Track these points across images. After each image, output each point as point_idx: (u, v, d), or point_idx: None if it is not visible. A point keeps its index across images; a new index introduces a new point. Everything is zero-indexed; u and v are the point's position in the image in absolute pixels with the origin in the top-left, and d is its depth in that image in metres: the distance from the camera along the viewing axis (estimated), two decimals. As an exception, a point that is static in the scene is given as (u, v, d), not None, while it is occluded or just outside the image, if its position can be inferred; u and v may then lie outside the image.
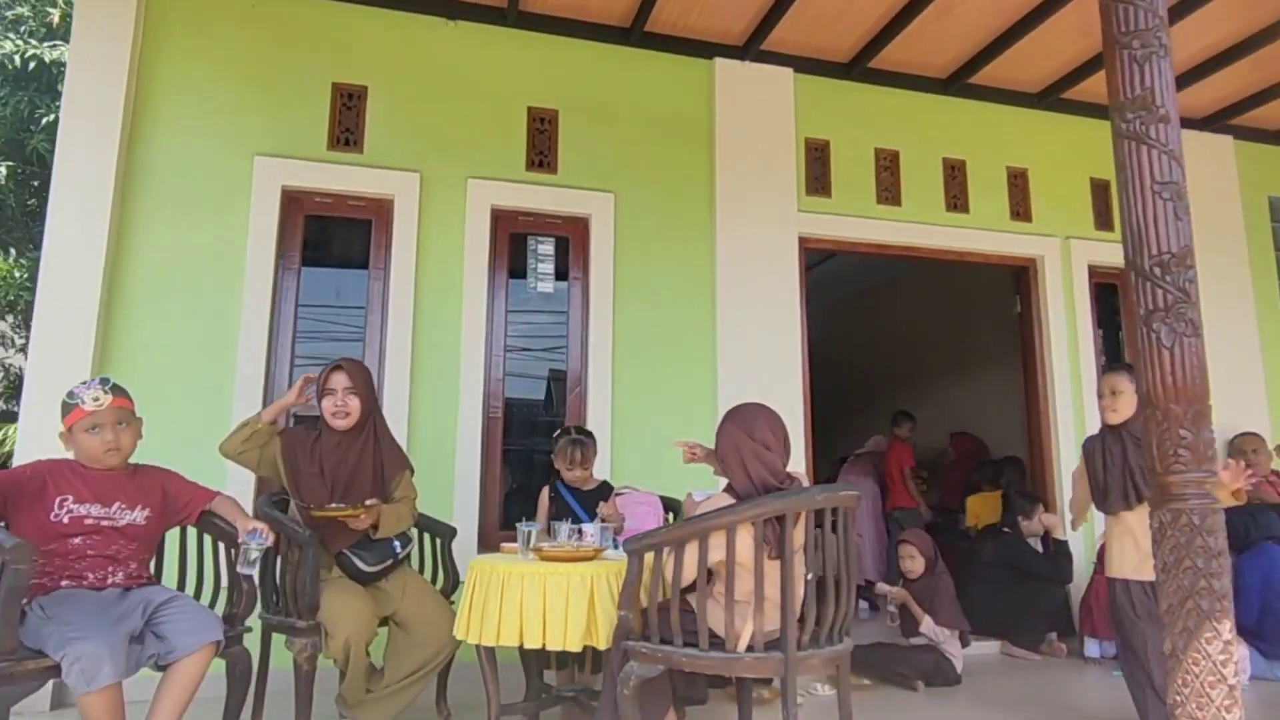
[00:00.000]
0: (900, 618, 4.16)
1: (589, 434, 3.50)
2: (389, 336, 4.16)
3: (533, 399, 4.52)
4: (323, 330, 4.22)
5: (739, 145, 4.84)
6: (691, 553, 2.41)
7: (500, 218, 4.50)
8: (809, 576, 2.35)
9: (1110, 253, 5.54)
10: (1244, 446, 5.25)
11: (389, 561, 3.01)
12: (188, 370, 3.91)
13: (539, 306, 4.55)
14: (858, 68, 5.07)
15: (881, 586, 4.27)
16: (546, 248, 4.57)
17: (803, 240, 4.96)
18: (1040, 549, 4.92)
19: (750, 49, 4.86)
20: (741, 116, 4.88)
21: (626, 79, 4.77)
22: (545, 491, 3.44)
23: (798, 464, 4.53)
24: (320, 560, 2.88)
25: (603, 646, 2.51)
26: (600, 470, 4.30)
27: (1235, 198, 5.86)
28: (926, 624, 4.04)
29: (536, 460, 4.42)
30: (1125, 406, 3.15)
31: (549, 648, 2.50)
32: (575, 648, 2.53)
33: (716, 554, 2.39)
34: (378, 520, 2.94)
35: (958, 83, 5.24)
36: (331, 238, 4.39)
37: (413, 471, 3.22)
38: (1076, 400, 5.26)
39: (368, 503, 2.91)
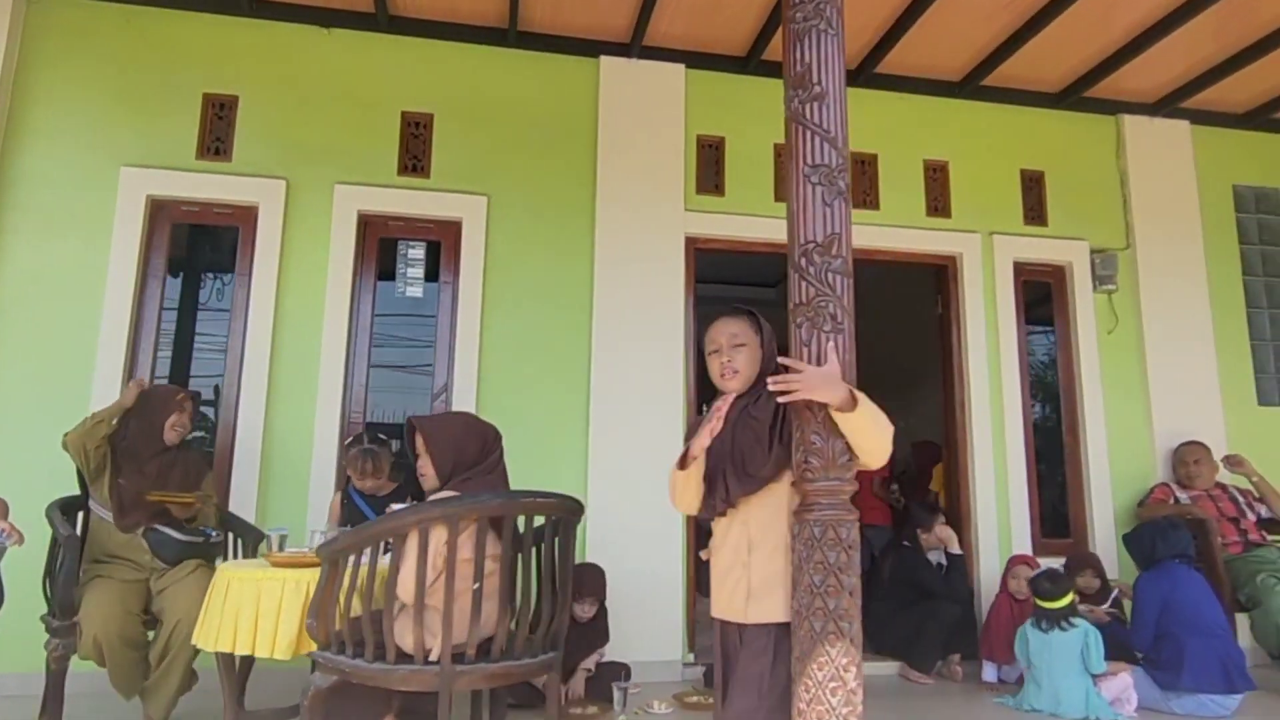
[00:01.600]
0: None
1: (383, 443, 3.46)
2: (249, 342, 4.20)
3: (400, 404, 4.49)
4: (186, 338, 4.29)
5: (623, 144, 4.73)
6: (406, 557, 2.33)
7: (369, 223, 4.50)
8: (475, 586, 2.24)
9: (1042, 249, 5.20)
10: (1185, 457, 4.84)
11: (200, 540, 3.16)
12: (49, 378, 4.02)
13: (409, 311, 4.53)
14: (754, 61, 4.89)
15: None
16: (417, 252, 4.55)
17: (691, 240, 4.80)
18: (946, 563, 4.63)
19: (637, 45, 4.74)
20: (627, 115, 4.77)
21: (506, 81, 4.72)
22: (337, 497, 3.41)
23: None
24: (83, 561, 2.93)
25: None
26: (459, 476, 4.26)
27: (1192, 187, 5.42)
28: None
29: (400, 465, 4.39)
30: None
31: (258, 655, 2.45)
32: (285, 656, 2.48)
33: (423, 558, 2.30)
34: (195, 512, 3.23)
35: (867, 72, 5.00)
36: (200, 246, 4.47)
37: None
38: (995, 403, 4.94)
39: (188, 497, 3.21)
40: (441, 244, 4.55)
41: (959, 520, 4.89)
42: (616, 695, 3.62)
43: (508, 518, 2.24)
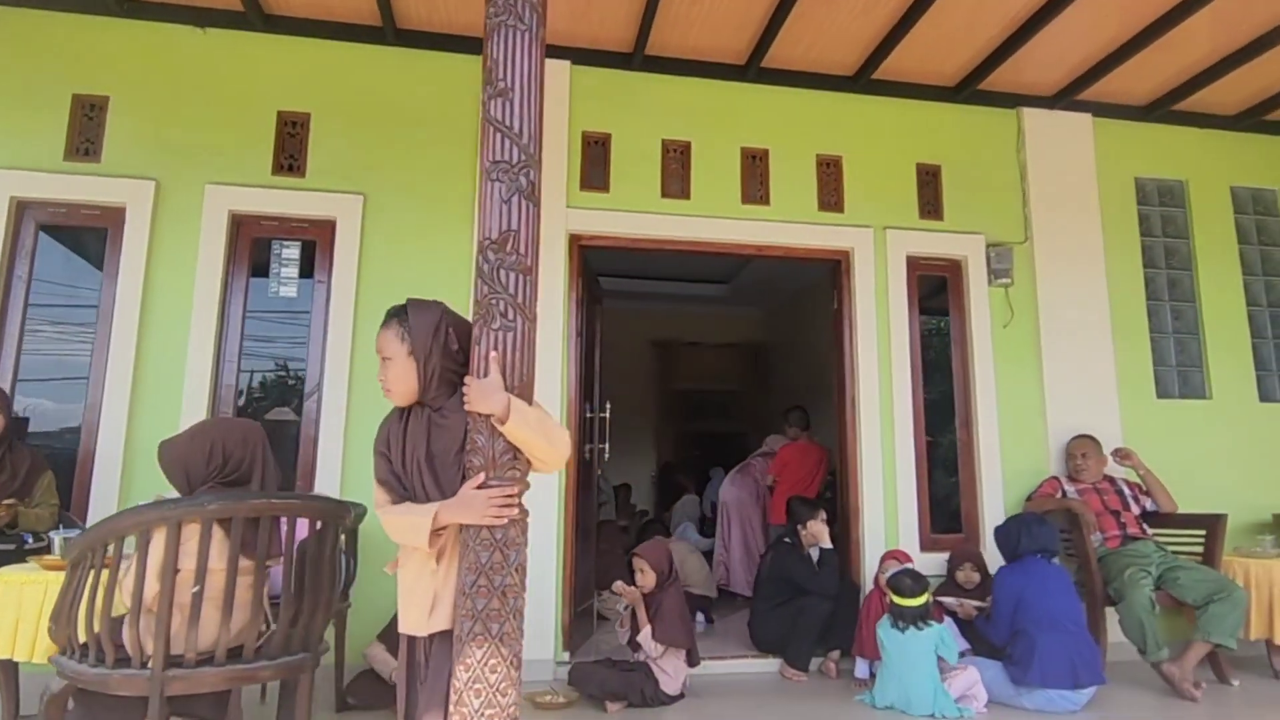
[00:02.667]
0: (631, 623, 3.95)
1: None
2: (114, 343, 4.17)
3: (274, 405, 4.46)
4: (53, 340, 4.26)
5: (505, 141, 4.69)
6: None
7: (242, 223, 4.47)
8: (195, 589, 2.21)
9: (937, 243, 5.17)
10: (1074, 451, 4.83)
11: (11, 547, 3.19)
12: (-90, 380, 4.00)
13: (284, 311, 4.50)
14: (641, 56, 4.86)
15: (617, 585, 4.05)
16: (291, 252, 4.52)
17: (576, 238, 4.78)
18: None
19: (518, 42, 4.71)
20: (509, 112, 4.73)
21: (386, 79, 4.69)
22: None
23: (550, 493, 4.37)
24: None
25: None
26: (329, 479, 4.24)
27: (1092, 180, 5.38)
28: (643, 634, 3.82)
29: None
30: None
31: (18, 659, 2.44)
32: (42, 660, 2.46)
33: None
34: (14, 518, 3.25)
35: (755, 67, 4.96)
36: (70, 247, 4.43)
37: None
38: (885, 398, 4.91)
39: (6, 501, 3.22)
40: (316, 243, 4.52)
41: (847, 516, 4.88)
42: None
43: (237, 520, 2.21)
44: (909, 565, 4.11)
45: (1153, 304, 5.44)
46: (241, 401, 4.35)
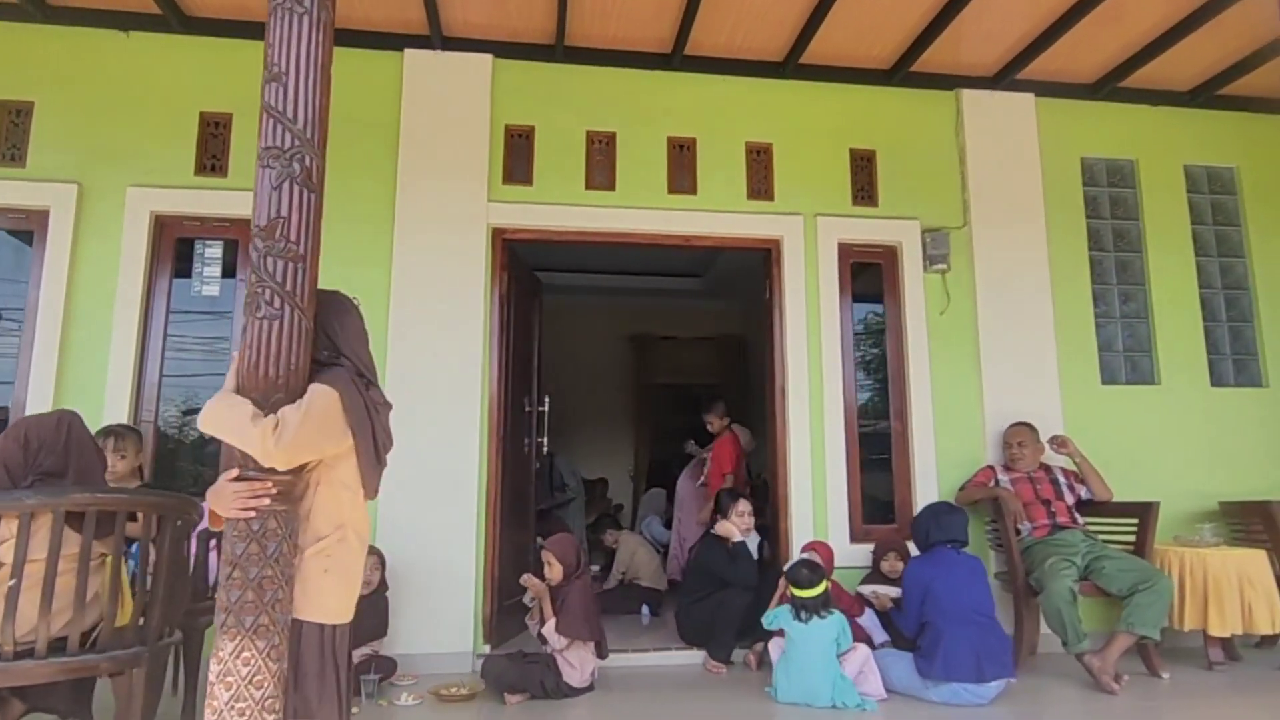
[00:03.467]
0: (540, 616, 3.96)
1: (131, 429, 3.49)
2: (38, 344, 4.26)
3: (199, 403, 4.52)
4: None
5: (426, 138, 4.71)
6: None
7: (165, 224, 4.54)
8: (11, 583, 2.24)
9: (870, 230, 5.09)
10: (1010, 439, 4.74)
11: None
12: None
13: (209, 309, 4.56)
14: (563, 48, 4.84)
15: (524, 578, 4.04)
16: (214, 251, 4.58)
17: (499, 231, 4.78)
18: (754, 551, 4.58)
19: (438, 37, 4.72)
20: (431, 108, 4.75)
21: (307, 77, 4.72)
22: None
23: (469, 484, 4.39)
24: None
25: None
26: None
27: (1035, 162, 5.27)
28: (547, 627, 3.83)
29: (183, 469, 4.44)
30: None
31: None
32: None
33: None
34: None
35: (681, 55, 4.92)
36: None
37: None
38: (815, 388, 4.85)
39: None
40: (239, 242, 4.57)
41: (777, 507, 4.83)
42: (363, 686, 3.64)
43: (58, 514, 2.24)
44: (807, 555, 4.07)
45: (1100, 288, 5.31)
46: (163, 401, 4.41)
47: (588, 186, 4.88)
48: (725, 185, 5.01)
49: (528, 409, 5.35)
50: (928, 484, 4.84)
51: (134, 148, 4.52)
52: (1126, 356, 5.28)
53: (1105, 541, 4.39)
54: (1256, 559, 4.25)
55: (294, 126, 1.99)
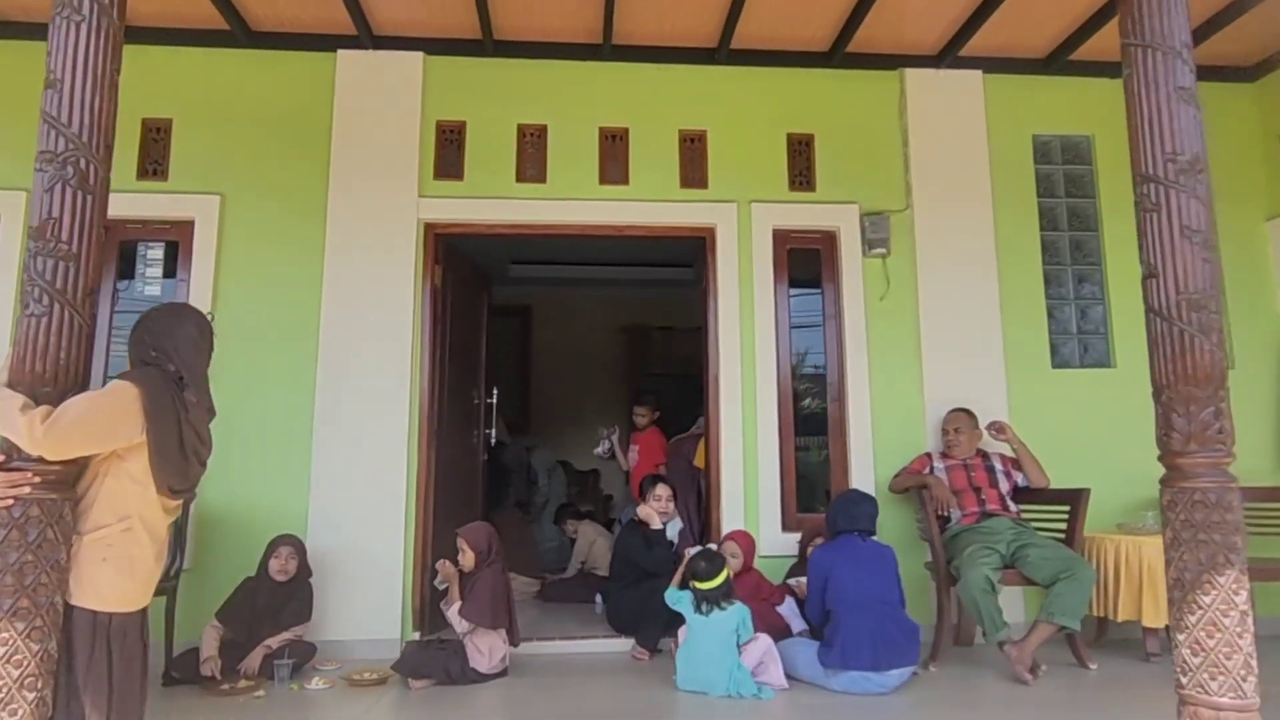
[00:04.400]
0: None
1: None
2: (-11, 346, 4.48)
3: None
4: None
5: (358, 136, 4.80)
6: None
7: (110, 228, 4.69)
8: None
9: (808, 215, 5.03)
10: (946, 426, 4.65)
11: None
12: None
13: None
14: (492, 42, 4.89)
15: (439, 563, 4.11)
16: (155, 253, 4.75)
17: (431, 226, 4.85)
18: (675, 538, 4.58)
19: (369, 36, 4.81)
20: (363, 107, 4.84)
21: (243, 81, 4.85)
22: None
23: (397, 475, 4.48)
24: None
25: None
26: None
27: (981, 141, 5.13)
28: (451, 611, 3.91)
29: None
30: None
31: None
32: None
33: None
34: None
35: (611, 45, 4.91)
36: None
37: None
38: (749, 376, 4.82)
39: None
40: (179, 244, 4.73)
41: (709, 497, 4.82)
42: (275, 671, 3.76)
43: None
44: (708, 547, 4.05)
45: (1053, 268, 5.16)
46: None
47: (519, 179, 4.92)
48: (658, 174, 4.99)
49: (476, 401, 5.43)
50: (864, 471, 4.77)
51: (79, 155, 4.70)
52: (1081, 339, 5.12)
53: (1040, 530, 4.28)
54: (1193, 547, 4.08)
55: (68, 131, 2.08)
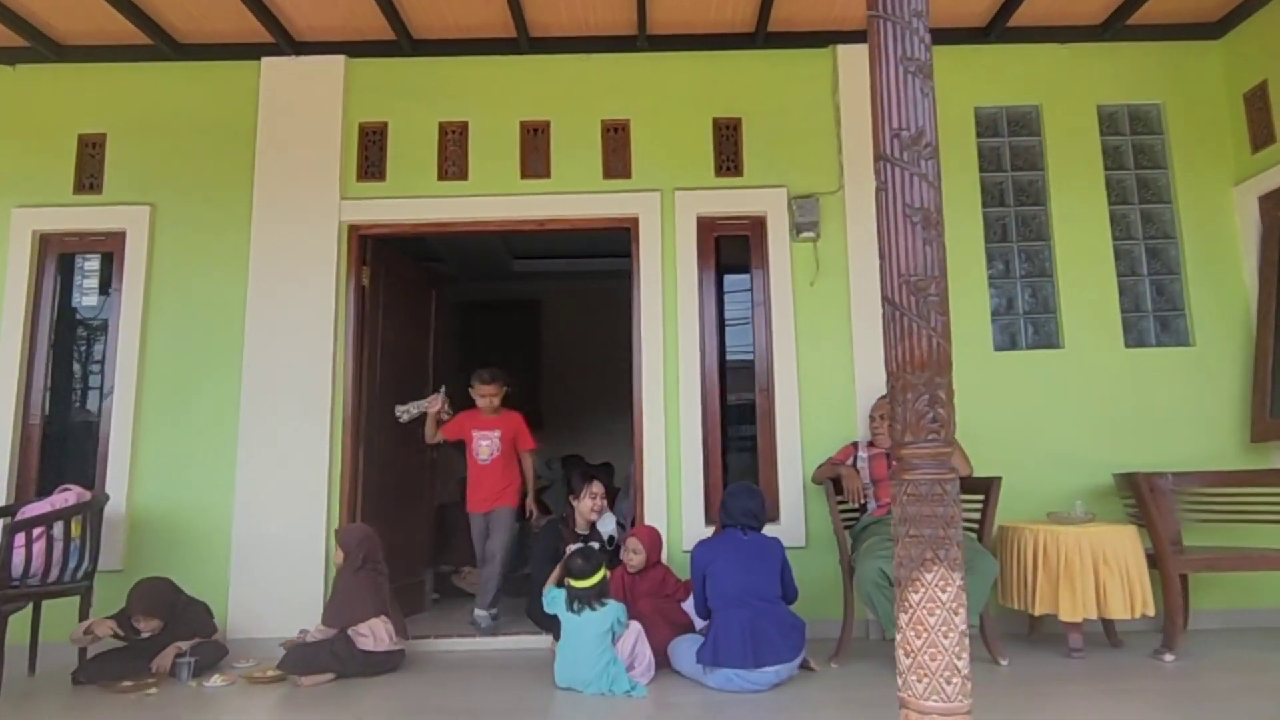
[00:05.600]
0: None
1: None
2: (-64, 360, 4.70)
3: (86, 407, 4.86)
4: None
5: (281, 142, 4.87)
6: None
7: (49, 240, 4.89)
8: None
9: (734, 201, 4.91)
10: (872, 414, 4.48)
11: None
12: None
13: (90, 319, 4.90)
14: (410, 41, 4.89)
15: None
16: (91, 264, 4.91)
17: (355, 228, 4.89)
18: (614, 532, 4.53)
19: (288, 43, 4.87)
20: (286, 112, 4.91)
21: (173, 94, 4.97)
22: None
23: (319, 475, 4.54)
24: None
25: None
26: (118, 484, 4.58)
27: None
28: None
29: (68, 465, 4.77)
30: None
31: None
32: None
33: None
34: None
35: (528, 38, 4.88)
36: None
37: None
38: (671, 368, 4.73)
39: None
40: (113, 255, 4.88)
41: (635, 488, 4.76)
42: (179, 668, 3.86)
43: None
44: (589, 545, 3.98)
45: (997, 247, 4.93)
46: (49, 407, 4.77)
47: (440, 177, 4.92)
48: (580, 166, 4.93)
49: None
50: (792, 463, 4.64)
51: (19, 171, 4.89)
52: (1027, 319, 4.88)
53: (964, 521, 4.09)
54: (1120, 537, 3.86)
55: None
